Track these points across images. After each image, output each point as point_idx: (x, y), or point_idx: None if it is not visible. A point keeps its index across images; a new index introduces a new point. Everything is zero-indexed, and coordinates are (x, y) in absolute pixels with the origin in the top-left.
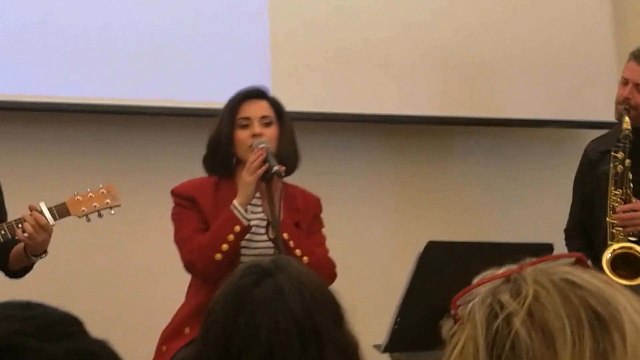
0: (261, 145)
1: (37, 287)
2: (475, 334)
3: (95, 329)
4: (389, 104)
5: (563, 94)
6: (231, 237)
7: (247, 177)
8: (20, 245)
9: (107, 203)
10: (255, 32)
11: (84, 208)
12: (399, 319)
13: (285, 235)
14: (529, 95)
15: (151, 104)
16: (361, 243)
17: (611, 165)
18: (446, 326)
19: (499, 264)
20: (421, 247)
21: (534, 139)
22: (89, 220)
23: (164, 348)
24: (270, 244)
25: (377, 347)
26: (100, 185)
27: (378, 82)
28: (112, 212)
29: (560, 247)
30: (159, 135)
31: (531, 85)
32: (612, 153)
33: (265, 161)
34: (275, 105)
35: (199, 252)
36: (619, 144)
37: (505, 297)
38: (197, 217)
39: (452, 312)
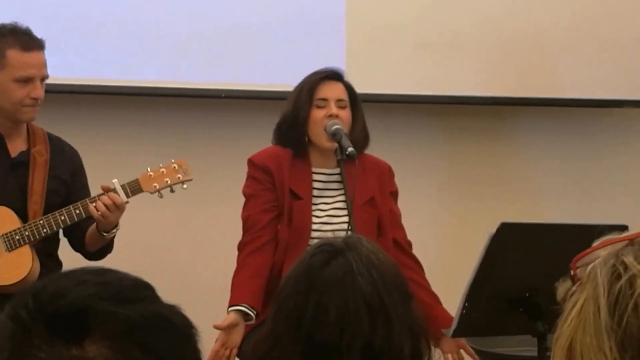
0: (335, 127)
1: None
2: (597, 293)
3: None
4: (442, 84)
5: (629, 72)
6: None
7: None
8: (94, 225)
9: (179, 178)
10: (331, 12)
11: (155, 184)
12: (467, 303)
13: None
14: (592, 74)
15: (227, 87)
16: (420, 225)
17: None
18: (562, 287)
19: (572, 245)
20: (490, 229)
21: (598, 119)
22: (161, 196)
23: None
24: (346, 225)
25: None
26: (172, 160)
27: (420, 60)
28: (184, 186)
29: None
30: (235, 117)
31: (594, 63)
32: None
33: (338, 143)
34: (350, 89)
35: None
36: None
37: (629, 259)
38: (266, 196)
39: (572, 272)
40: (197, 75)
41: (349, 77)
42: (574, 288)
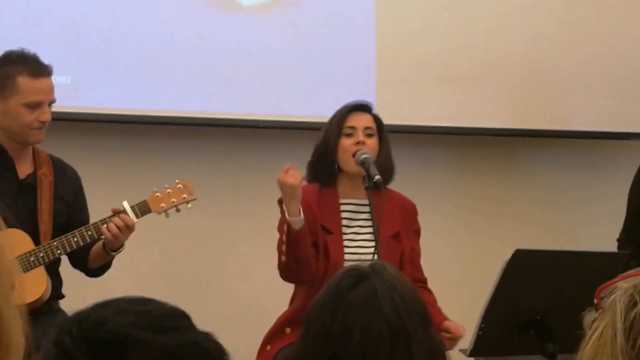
0: (363, 156)
1: (145, 286)
2: (614, 320)
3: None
4: (458, 115)
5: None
6: (284, 237)
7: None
8: (99, 244)
9: (184, 197)
10: (363, 49)
11: (163, 204)
12: (483, 324)
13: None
14: (604, 107)
15: (266, 118)
16: (438, 250)
17: None
18: (588, 316)
19: (585, 272)
20: (505, 256)
21: (606, 150)
22: (167, 215)
23: (268, 347)
24: (372, 249)
25: (463, 351)
26: (177, 181)
27: (443, 93)
28: (189, 205)
29: None
30: (270, 147)
31: (602, 96)
32: None
33: (367, 171)
34: (378, 120)
35: (278, 256)
36: None
37: None
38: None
39: (595, 302)
40: (237, 106)
41: (378, 109)
42: (596, 315)
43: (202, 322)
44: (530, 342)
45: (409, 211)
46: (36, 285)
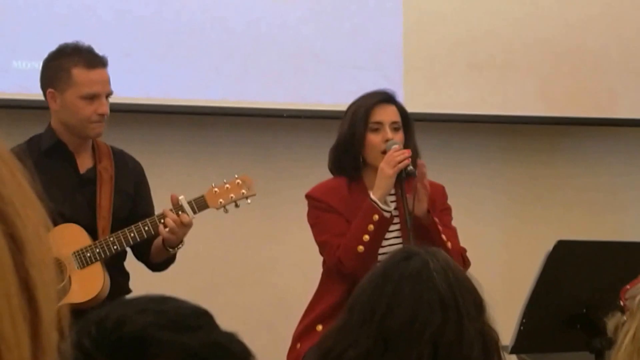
0: (394, 146)
1: (177, 282)
2: None
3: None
4: (495, 102)
5: None
6: (371, 227)
7: (387, 170)
8: (159, 239)
9: (243, 193)
10: (390, 34)
11: (221, 200)
12: (524, 319)
13: (439, 227)
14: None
15: (289, 107)
16: (476, 242)
17: None
18: (612, 320)
19: (629, 263)
20: (547, 247)
21: None
22: (226, 211)
23: (299, 345)
24: (400, 240)
25: (504, 347)
26: (235, 176)
27: (479, 81)
28: (249, 201)
29: None
30: (297, 136)
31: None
32: None
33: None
34: (402, 111)
35: (344, 247)
36: None
37: None
38: (338, 218)
39: (622, 303)
40: (260, 95)
41: (406, 97)
42: (624, 318)
43: (228, 320)
44: (575, 338)
45: (436, 194)
46: (92, 282)
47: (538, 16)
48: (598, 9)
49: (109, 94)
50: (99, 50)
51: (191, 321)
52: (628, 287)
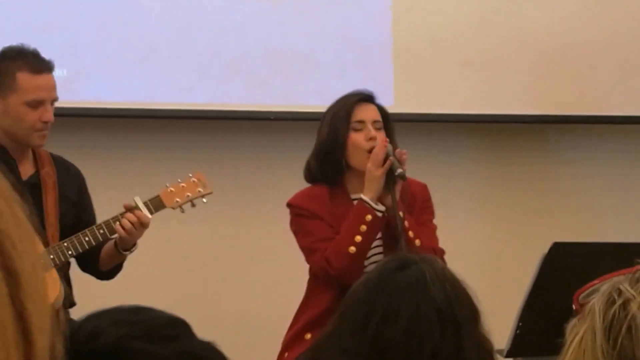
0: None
1: (146, 290)
2: (594, 322)
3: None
4: (484, 101)
5: None
6: (363, 227)
7: (375, 171)
8: (110, 244)
9: (200, 191)
10: (378, 33)
11: (177, 199)
12: (520, 323)
13: (406, 223)
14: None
15: (275, 109)
16: (470, 244)
17: None
18: (569, 324)
19: (625, 264)
20: (542, 249)
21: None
22: (182, 211)
23: (286, 355)
24: (381, 241)
25: (499, 351)
26: (190, 175)
27: (472, 79)
28: (204, 200)
29: None
30: (281, 140)
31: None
32: None
33: (387, 160)
34: (382, 111)
35: (334, 248)
36: None
37: (624, 286)
38: (321, 223)
39: (574, 308)
40: (245, 97)
41: (397, 97)
42: (574, 321)
43: (211, 329)
44: None
45: (418, 191)
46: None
47: (527, 14)
48: (588, 6)
49: (54, 100)
50: (82, 54)
51: (167, 331)
52: (581, 291)
